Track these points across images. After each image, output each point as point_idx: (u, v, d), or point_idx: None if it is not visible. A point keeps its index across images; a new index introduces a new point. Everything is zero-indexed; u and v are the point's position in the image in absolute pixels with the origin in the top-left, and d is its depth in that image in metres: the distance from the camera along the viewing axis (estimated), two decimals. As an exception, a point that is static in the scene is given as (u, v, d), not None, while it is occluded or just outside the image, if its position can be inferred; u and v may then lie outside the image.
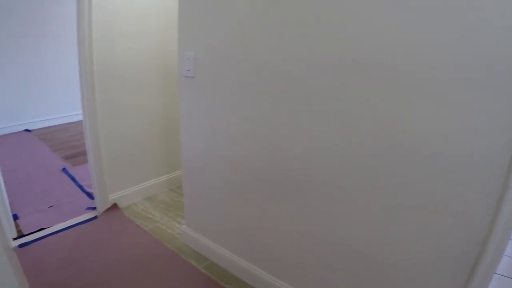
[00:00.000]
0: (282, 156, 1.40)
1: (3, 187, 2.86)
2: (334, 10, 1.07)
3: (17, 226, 2.59)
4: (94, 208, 2.85)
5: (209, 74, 1.60)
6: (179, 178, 3.17)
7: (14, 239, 2.41)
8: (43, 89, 5.08)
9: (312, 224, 1.38)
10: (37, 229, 2.56)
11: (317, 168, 1.28)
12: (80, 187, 3.32)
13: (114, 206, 2.85)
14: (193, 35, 1.64)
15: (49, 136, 4.93)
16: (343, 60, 1.10)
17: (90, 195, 3.08)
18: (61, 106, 5.38)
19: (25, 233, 2.50)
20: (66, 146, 4.53)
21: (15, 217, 2.72)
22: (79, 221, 2.68)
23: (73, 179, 3.52)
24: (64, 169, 3.76)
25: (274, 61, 1.33)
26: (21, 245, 2.34)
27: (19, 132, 5.08)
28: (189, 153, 1.93)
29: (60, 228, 2.57)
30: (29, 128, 5.21)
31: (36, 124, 5.23)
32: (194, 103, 1.74)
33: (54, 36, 4.92)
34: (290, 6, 1.21)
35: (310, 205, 1.36)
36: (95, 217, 2.73)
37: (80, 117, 5.46)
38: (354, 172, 1.18)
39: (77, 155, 4.16)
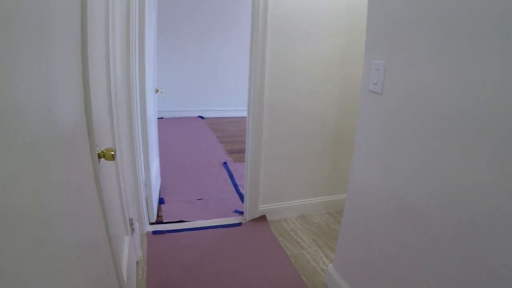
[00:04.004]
0: None
1: (158, 168, 3.20)
2: None
3: (159, 210, 2.79)
4: (242, 213, 2.80)
5: (404, 92, 1.38)
6: (342, 202, 2.97)
7: (151, 223, 2.58)
8: (221, 81, 6.03)
9: None
10: (177, 220, 2.68)
11: None
12: (235, 186, 3.40)
13: (262, 218, 2.74)
14: (385, 39, 1.47)
15: (219, 127, 5.51)
16: None
17: (242, 197, 3.08)
18: (236, 100, 6.12)
19: (164, 221, 2.65)
20: (233, 139, 4.88)
21: (161, 201, 2.97)
22: (222, 223, 2.66)
23: (230, 175, 3.66)
24: (225, 163, 3.99)
25: None
26: (155, 232, 2.47)
27: (193, 117, 6.03)
28: (358, 184, 1.76)
29: (200, 226, 2.60)
30: (203, 116, 6.15)
31: (209, 112, 6.15)
32: (376, 127, 1.57)
33: (238, 31, 5.80)
34: None
35: None
36: (240, 224, 2.66)
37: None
38: None
39: (242, 151, 4.38)
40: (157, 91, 2.96)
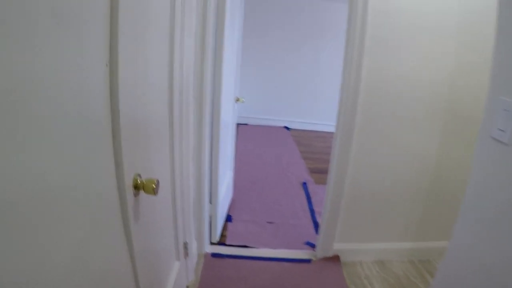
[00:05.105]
0: None
1: (231, 183, 3.03)
2: None
3: (224, 229, 2.62)
4: (314, 247, 2.50)
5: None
6: (427, 251, 2.56)
7: (213, 243, 2.41)
8: (312, 92, 5.78)
9: None
10: (241, 244, 2.47)
11: None
12: (312, 212, 3.11)
13: (335, 258, 2.40)
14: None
15: (304, 140, 5.24)
16: None
17: (317, 226, 2.79)
18: (325, 113, 5.83)
19: (227, 243, 2.46)
20: (316, 156, 4.59)
21: (229, 218, 2.79)
22: (290, 257, 2.39)
23: (308, 199, 3.38)
24: (304, 183, 3.72)
25: None
26: (214, 255, 2.29)
27: (278, 127, 5.84)
28: (458, 257, 1.38)
29: (264, 256, 2.37)
30: (288, 126, 5.94)
31: (296, 124, 5.92)
32: (501, 189, 1.18)
33: (334, 40, 5.53)
34: None
35: None
36: (309, 261, 2.36)
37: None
38: None
39: (325, 171, 4.06)
40: (237, 100, 2.80)
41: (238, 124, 5.72)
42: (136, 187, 0.98)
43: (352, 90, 2.07)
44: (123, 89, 0.80)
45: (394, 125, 2.21)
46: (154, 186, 0.98)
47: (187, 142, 1.74)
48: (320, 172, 4.05)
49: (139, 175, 1.00)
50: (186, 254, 1.85)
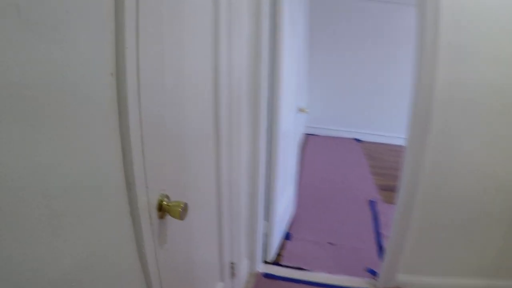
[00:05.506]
0: None
1: (291, 198, 2.89)
2: None
3: (282, 247, 2.49)
4: (375, 274, 2.28)
5: None
6: None
7: (267, 263, 2.29)
8: (384, 102, 5.43)
9: None
10: (298, 265, 2.32)
11: None
12: (378, 234, 2.86)
13: (400, 292, 2.16)
14: None
15: (375, 154, 4.94)
16: None
17: (382, 251, 2.55)
18: (398, 125, 5.41)
19: (282, 263, 2.33)
20: (387, 172, 4.28)
21: (287, 236, 2.66)
22: (347, 285, 2.19)
23: (375, 219, 3.13)
24: (372, 202, 3.47)
25: None
26: (267, 275, 2.17)
27: (348, 139, 5.58)
28: None
29: (320, 282, 2.19)
30: (360, 138, 5.65)
31: (367, 136, 5.61)
32: None
33: (406, 49, 5.03)
34: None
35: None
36: (369, 291, 2.16)
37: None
38: None
39: (395, 189, 3.76)
40: (301, 110, 2.67)
41: (307, 135, 5.57)
42: (161, 210, 0.90)
43: (424, 103, 1.84)
44: (136, 101, 0.71)
45: (473, 144, 1.92)
46: (180, 210, 0.89)
47: (238, 155, 1.65)
48: (390, 190, 3.76)
49: (167, 196, 0.92)
50: (233, 274, 1.75)
